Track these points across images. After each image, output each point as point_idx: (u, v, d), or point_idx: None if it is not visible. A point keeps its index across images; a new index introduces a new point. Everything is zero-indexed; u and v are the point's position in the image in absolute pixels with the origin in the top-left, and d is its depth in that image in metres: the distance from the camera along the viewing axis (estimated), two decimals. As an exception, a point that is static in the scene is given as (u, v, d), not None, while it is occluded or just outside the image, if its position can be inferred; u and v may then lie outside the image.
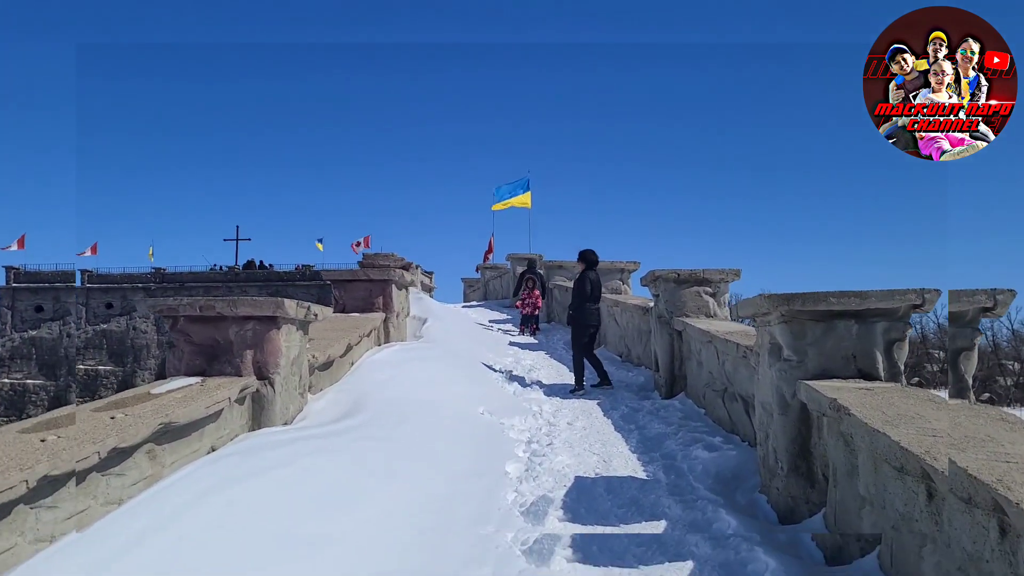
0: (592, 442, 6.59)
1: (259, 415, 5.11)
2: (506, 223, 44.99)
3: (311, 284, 47.76)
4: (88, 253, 51.11)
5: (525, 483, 5.19)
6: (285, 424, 5.30)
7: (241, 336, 5.13)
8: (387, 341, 9.48)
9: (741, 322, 8.16)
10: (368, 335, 8.71)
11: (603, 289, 10.22)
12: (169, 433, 3.90)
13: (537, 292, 15.52)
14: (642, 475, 5.50)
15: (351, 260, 46.93)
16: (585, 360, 9.25)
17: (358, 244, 46.18)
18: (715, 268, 8.78)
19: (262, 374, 5.16)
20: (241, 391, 4.89)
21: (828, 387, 4.00)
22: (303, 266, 51.67)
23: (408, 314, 11.72)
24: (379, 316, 9.27)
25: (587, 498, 4.89)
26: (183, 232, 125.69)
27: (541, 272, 16.87)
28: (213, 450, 4.41)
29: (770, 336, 4.99)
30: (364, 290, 9.52)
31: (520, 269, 18.42)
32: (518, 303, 15.81)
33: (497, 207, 25.66)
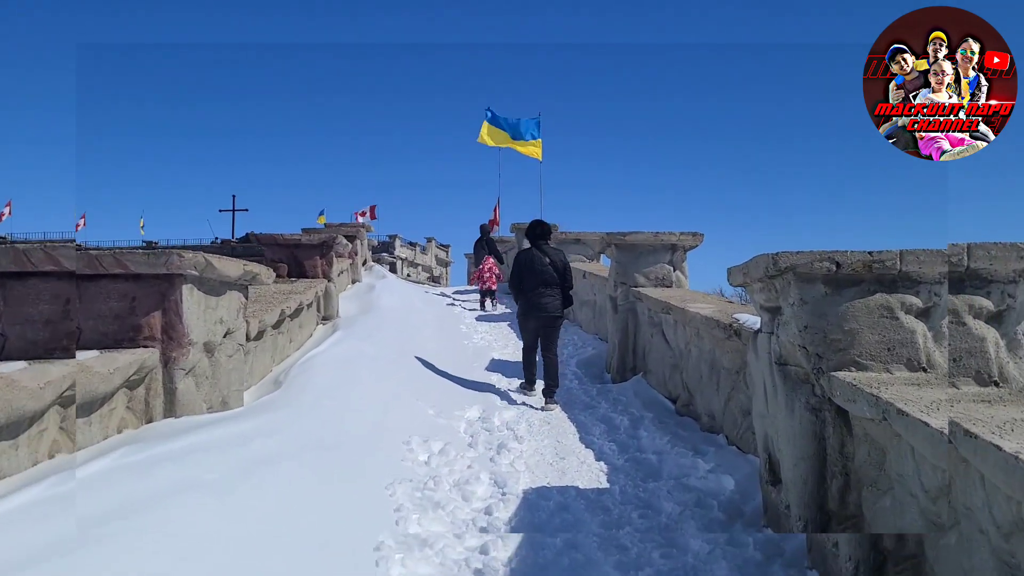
0: None
1: None
2: (514, 187, 38.56)
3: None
4: (81, 225, 47.07)
5: None
6: None
7: None
8: (172, 415, 4.27)
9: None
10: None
11: (613, 272, 7.84)
12: None
13: (492, 261, 13.60)
14: None
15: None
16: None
17: (363, 214, 40.88)
18: (923, 248, 3.32)
19: None
20: None
21: None
22: (308, 238, 46.88)
23: (267, 330, 6.39)
24: (136, 358, 4.01)
25: None
26: (176, 203, 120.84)
27: (492, 238, 15.68)
28: None
29: None
30: (119, 298, 4.19)
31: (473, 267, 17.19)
32: (474, 279, 14.28)
33: (488, 138, 16.31)
